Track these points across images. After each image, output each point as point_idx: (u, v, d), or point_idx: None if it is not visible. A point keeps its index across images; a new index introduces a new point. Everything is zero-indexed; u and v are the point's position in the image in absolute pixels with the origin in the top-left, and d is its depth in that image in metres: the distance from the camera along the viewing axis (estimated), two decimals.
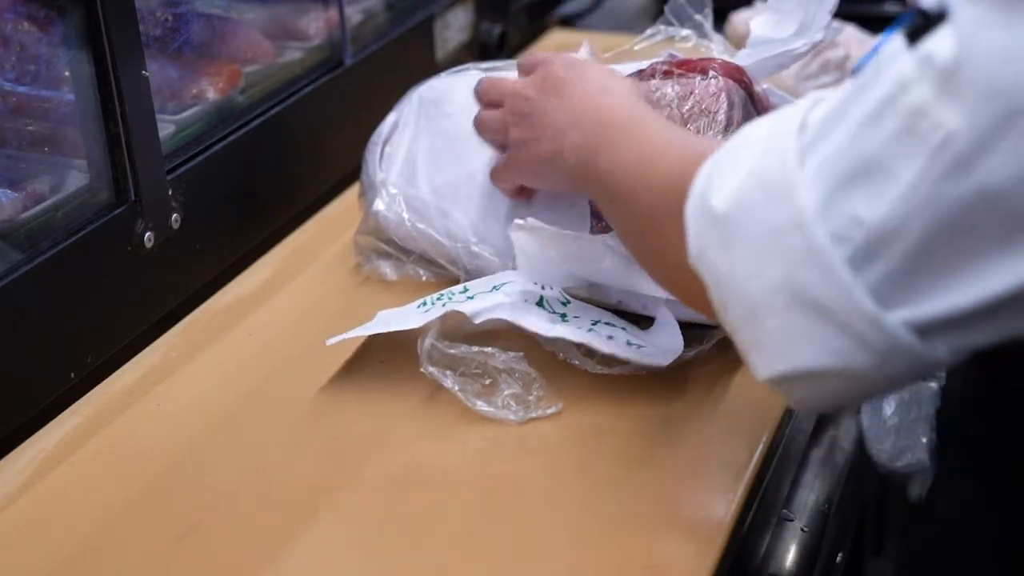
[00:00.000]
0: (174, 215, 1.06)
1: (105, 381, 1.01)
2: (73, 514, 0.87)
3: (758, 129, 0.69)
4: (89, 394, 0.99)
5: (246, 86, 1.20)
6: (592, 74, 0.97)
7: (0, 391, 0.91)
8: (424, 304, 0.99)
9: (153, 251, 1.03)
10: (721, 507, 0.85)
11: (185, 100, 1.14)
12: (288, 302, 1.12)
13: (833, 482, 1.06)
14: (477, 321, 0.94)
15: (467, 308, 0.94)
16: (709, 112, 0.98)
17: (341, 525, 0.86)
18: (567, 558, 0.82)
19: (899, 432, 1.06)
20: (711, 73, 1.00)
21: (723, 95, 0.99)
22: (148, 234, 1.03)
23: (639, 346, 0.95)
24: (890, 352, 0.62)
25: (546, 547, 0.83)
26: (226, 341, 1.06)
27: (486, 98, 1.05)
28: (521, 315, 0.95)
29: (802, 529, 0.99)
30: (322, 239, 1.22)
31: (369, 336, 0.99)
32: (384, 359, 0.99)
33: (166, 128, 1.08)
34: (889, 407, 1.07)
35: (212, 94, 1.16)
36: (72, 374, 0.97)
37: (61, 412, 0.97)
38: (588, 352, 0.96)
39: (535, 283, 1.00)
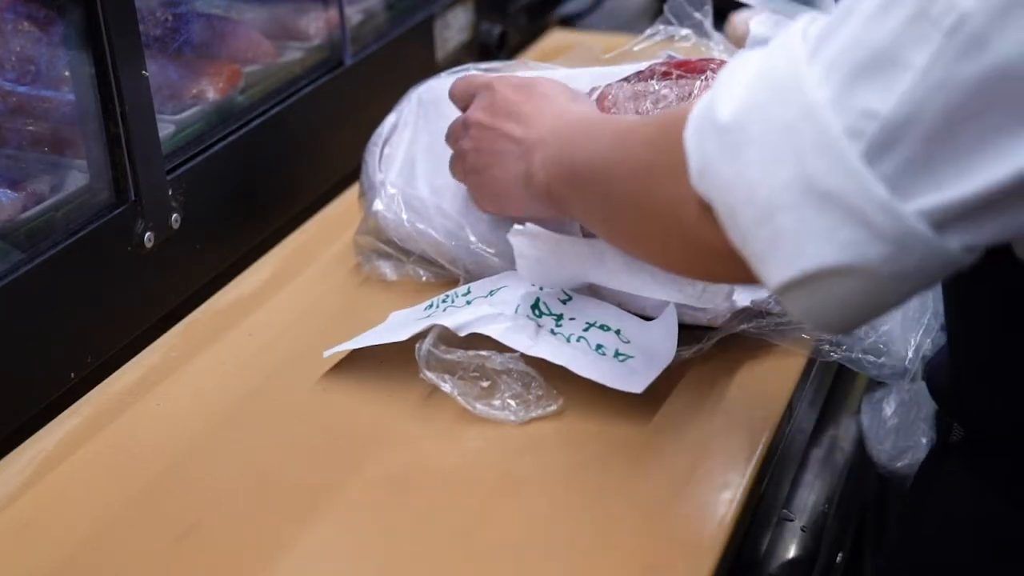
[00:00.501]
0: (174, 215, 1.06)
1: (105, 381, 1.01)
2: (73, 514, 0.87)
3: (755, 52, 0.68)
4: (89, 394, 0.99)
5: (246, 86, 1.20)
6: (549, 90, 0.96)
7: (0, 391, 0.91)
8: (431, 306, 1.00)
9: (153, 251, 1.03)
10: (721, 507, 0.85)
11: (185, 100, 1.14)
12: (288, 302, 1.12)
13: (833, 482, 1.06)
14: (461, 334, 0.95)
15: (450, 321, 0.95)
16: None
17: (341, 525, 0.86)
18: (567, 558, 0.82)
19: (899, 432, 1.06)
20: (710, 74, 1.00)
21: None
22: (148, 234, 1.03)
23: (626, 357, 0.95)
24: (904, 242, 0.61)
25: (546, 547, 0.83)
26: (226, 341, 1.06)
27: (462, 102, 1.04)
28: (504, 330, 0.95)
29: (802, 529, 0.99)
30: (322, 239, 1.22)
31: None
32: (383, 359, 0.99)
33: (166, 128, 1.08)
34: (889, 407, 1.07)
35: (212, 94, 1.16)
36: (72, 374, 0.97)
37: (61, 412, 0.97)
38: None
39: (533, 283, 1.00)
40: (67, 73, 1.01)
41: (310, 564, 0.82)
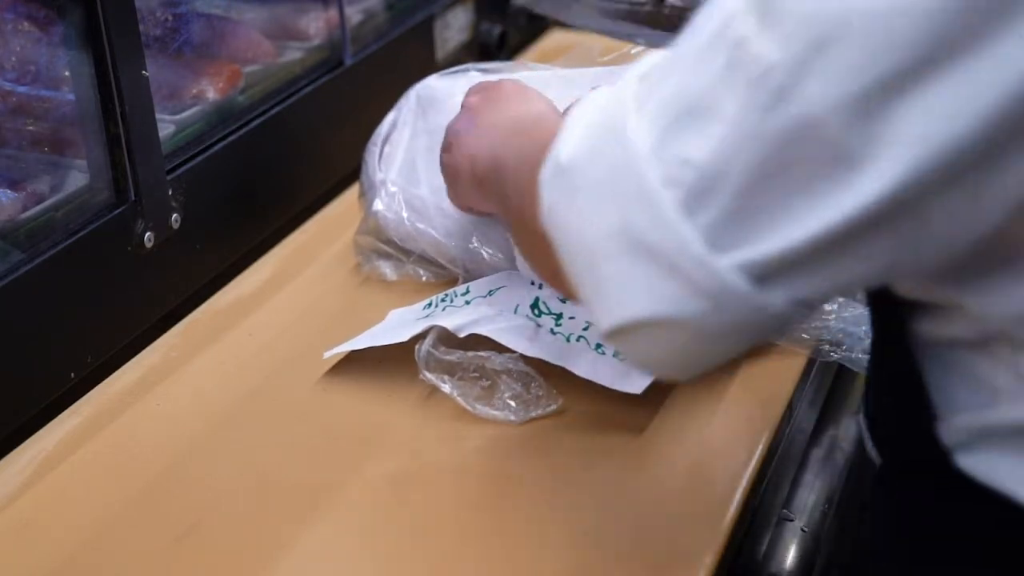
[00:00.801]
0: (174, 215, 1.06)
1: (105, 381, 1.01)
2: (73, 514, 0.87)
3: (604, 91, 0.67)
4: (89, 394, 0.99)
5: (246, 86, 1.20)
6: (511, 89, 0.97)
7: (0, 391, 0.91)
8: (430, 304, 1.00)
9: (153, 251, 1.03)
10: (721, 507, 0.85)
11: (185, 100, 1.14)
12: (288, 302, 1.12)
13: (833, 482, 1.06)
14: (461, 335, 0.95)
15: (449, 323, 0.95)
16: None
17: (341, 525, 0.86)
18: (567, 557, 0.82)
19: None
20: None
21: None
22: (148, 234, 1.03)
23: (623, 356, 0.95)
24: (722, 297, 0.59)
25: (546, 546, 0.83)
26: (226, 341, 1.06)
27: None
28: (502, 330, 0.95)
29: (802, 529, 0.99)
30: (322, 239, 1.22)
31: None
32: (383, 359, 0.99)
33: (166, 128, 1.08)
34: None
35: (212, 94, 1.16)
36: (72, 374, 0.97)
37: (61, 412, 0.97)
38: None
39: (532, 283, 1.00)
40: (67, 73, 1.01)
41: (310, 564, 0.82)
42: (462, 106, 1.00)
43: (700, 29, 0.61)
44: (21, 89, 1.02)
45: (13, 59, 1.01)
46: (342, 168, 1.28)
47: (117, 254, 1.01)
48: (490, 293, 1.00)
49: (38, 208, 0.97)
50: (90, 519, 0.86)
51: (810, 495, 1.03)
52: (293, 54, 1.29)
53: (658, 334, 0.63)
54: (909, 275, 0.64)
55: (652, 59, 0.65)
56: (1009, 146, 0.54)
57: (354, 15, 1.35)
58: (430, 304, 1.01)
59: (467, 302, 0.99)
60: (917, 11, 0.53)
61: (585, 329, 0.97)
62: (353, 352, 1.00)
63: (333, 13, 1.31)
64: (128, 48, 0.98)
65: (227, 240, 1.16)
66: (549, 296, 0.99)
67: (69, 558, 0.83)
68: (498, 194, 0.88)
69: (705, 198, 0.59)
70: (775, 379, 0.97)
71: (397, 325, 0.99)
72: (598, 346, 0.95)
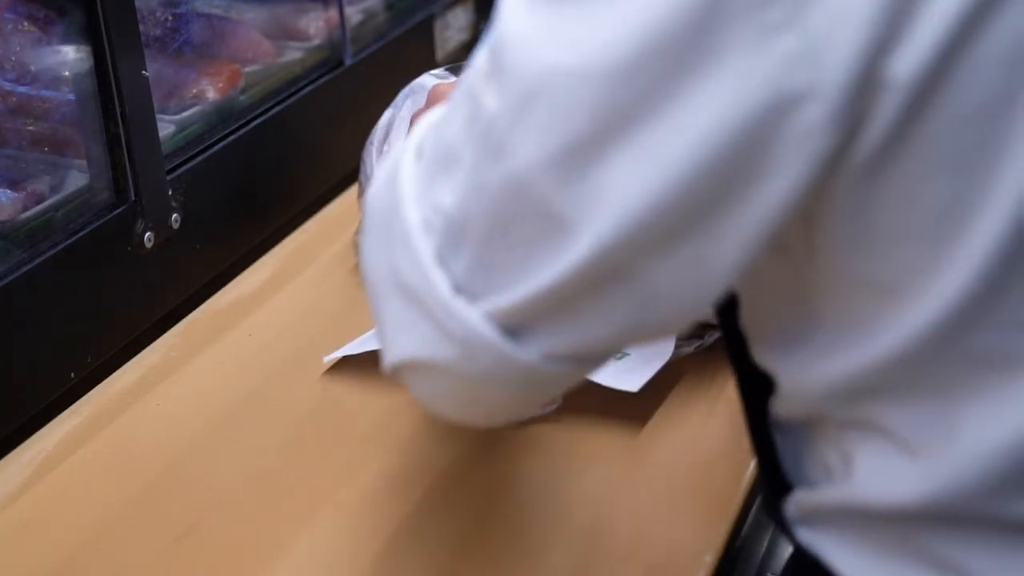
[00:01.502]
0: (174, 215, 1.06)
1: (105, 381, 1.01)
2: (73, 514, 0.87)
3: (412, 132, 0.68)
4: (89, 394, 0.99)
5: (246, 86, 1.20)
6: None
7: (0, 391, 0.91)
8: None
9: (153, 251, 1.03)
10: (721, 506, 0.85)
11: (185, 100, 1.14)
12: (288, 302, 1.12)
13: None
14: None
15: None
16: None
17: (341, 524, 0.86)
18: (566, 558, 0.82)
19: None
20: None
21: None
22: (148, 234, 1.03)
23: (622, 355, 0.95)
24: (471, 344, 0.59)
25: (545, 547, 0.83)
26: (226, 341, 1.06)
27: None
28: None
29: None
30: (322, 239, 1.22)
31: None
32: None
33: (166, 128, 1.08)
34: None
35: (212, 94, 1.16)
36: (72, 374, 0.97)
37: (61, 412, 0.97)
38: None
39: None
40: (67, 73, 1.01)
41: (310, 564, 0.82)
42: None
43: (462, 78, 0.61)
44: (21, 89, 1.02)
45: (13, 59, 1.01)
46: (342, 168, 1.28)
47: (117, 254, 1.01)
48: None
49: (38, 208, 0.97)
50: (90, 519, 0.86)
51: None
52: (293, 54, 1.29)
53: (426, 376, 0.63)
54: (662, 333, 0.63)
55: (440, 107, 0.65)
56: (716, 212, 0.53)
57: (354, 15, 1.35)
58: None
59: None
60: (597, 77, 0.52)
61: None
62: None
63: (333, 13, 1.31)
64: (128, 48, 0.98)
65: (227, 240, 1.16)
66: None
67: (69, 558, 0.83)
68: None
69: (457, 245, 0.59)
70: None
71: None
72: None
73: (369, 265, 0.65)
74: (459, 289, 0.59)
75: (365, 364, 1.00)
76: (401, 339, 0.63)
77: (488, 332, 0.59)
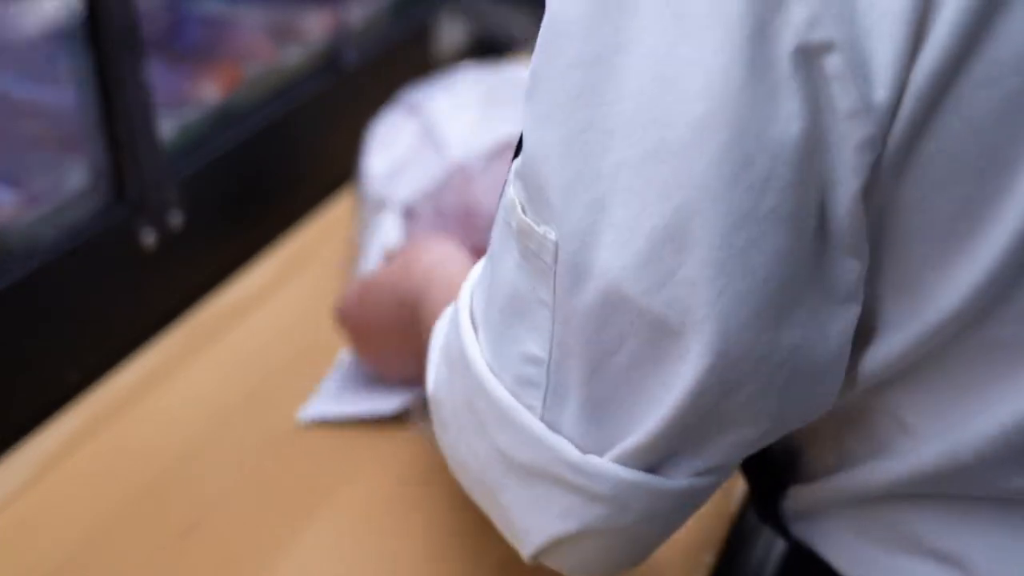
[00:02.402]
0: (174, 215, 1.06)
1: (105, 381, 1.01)
2: (73, 514, 0.87)
3: (446, 314, 0.63)
4: (89, 394, 0.99)
5: (246, 87, 1.20)
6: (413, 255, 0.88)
7: (0, 391, 0.91)
8: None
9: (153, 251, 1.03)
10: (720, 505, 0.85)
11: (185, 100, 1.14)
12: (288, 302, 1.12)
13: None
14: None
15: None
16: None
17: (341, 524, 0.86)
18: None
19: None
20: None
21: None
22: (148, 234, 1.03)
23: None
24: (618, 494, 0.55)
25: None
26: (226, 341, 1.06)
27: None
28: None
29: None
30: (322, 239, 1.22)
31: None
32: None
33: (167, 128, 1.08)
34: None
35: (212, 94, 1.16)
36: (72, 374, 0.97)
37: (61, 412, 0.97)
38: None
39: None
40: (67, 73, 1.01)
41: (310, 564, 0.82)
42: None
43: (495, 227, 0.57)
44: (21, 89, 1.02)
45: (14, 59, 1.01)
46: (342, 168, 1.28)
47: (117, 254, 1.01)
48: None
49: (38, 208, 0.97)
50: (90, 519, 0.86)
51: None
52: (293, 54, 1.29)
53: (576, 546, 0.59)
54: (805, 418, 0.57)
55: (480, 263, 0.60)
56: (810, 264, 0.50)
57: (354, 16, 1.35)
58: None
59: None
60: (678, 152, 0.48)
61: None
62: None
63: (333, 14, 1.31)
64: (128, 48, 0.98)
65: (227, 240, 1.16)
66: None
67: (69, 558, 0.83)
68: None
69: (560, 398, 0.55)
70: None
71: (384, 392, 0.95)
72: None
73: (462, 458, 0.61)
74: (581, 446, 0.55)
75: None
76: (539, 521, 0.58)
77: (630, 475, 0.54)
